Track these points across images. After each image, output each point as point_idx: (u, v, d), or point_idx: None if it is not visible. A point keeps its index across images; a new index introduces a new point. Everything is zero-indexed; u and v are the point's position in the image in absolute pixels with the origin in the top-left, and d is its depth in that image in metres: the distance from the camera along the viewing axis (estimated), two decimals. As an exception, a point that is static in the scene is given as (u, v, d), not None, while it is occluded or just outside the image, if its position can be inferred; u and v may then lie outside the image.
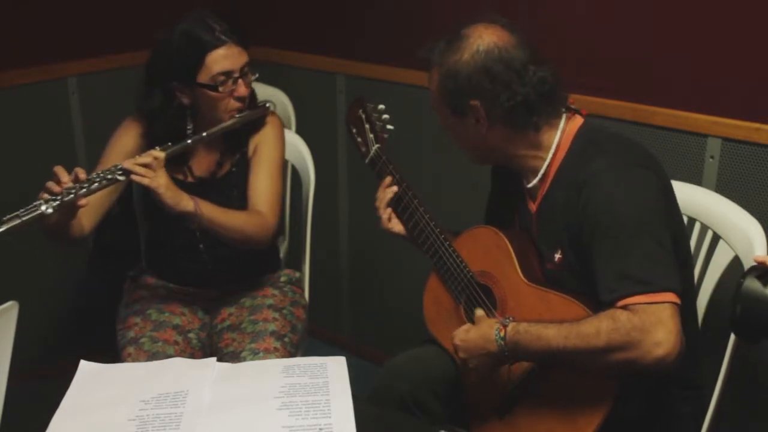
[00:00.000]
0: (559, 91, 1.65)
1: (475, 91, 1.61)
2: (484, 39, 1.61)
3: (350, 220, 3.05)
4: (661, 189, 1.59)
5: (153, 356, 1.95)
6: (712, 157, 2.10)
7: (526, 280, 1.66)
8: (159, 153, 1.87)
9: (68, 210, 1.79)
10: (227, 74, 1.97)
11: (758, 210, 1.93)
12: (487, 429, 1.74)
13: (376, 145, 1.94)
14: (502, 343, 1.58)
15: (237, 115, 2.03)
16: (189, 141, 1.97)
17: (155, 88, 2.03)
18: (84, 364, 1.55)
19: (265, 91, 2.81)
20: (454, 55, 1.62)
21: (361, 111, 1.99)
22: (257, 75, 2.08)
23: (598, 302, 1.53)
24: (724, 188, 2.06)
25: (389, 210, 1.90)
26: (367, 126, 1.97)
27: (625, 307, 1.46)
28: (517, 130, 1.64)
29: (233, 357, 1.99)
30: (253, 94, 2.10)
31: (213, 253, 2.11)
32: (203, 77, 1.97)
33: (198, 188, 2.02)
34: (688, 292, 1.63)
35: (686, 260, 1.68)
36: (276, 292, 2.20)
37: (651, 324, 1.43)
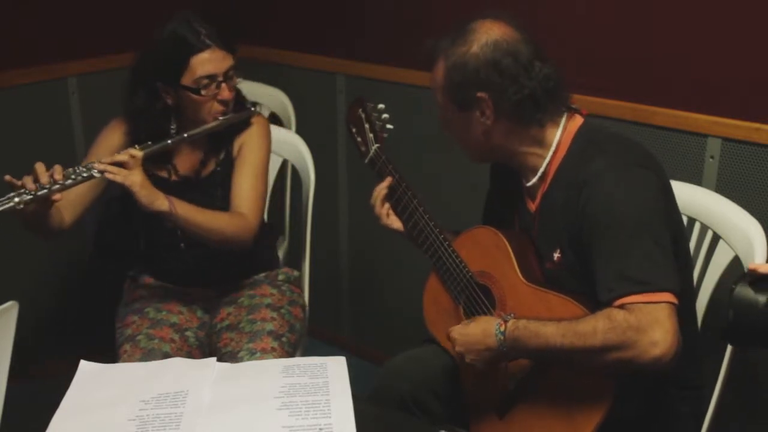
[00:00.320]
0: (562, 89, 1.65)
1: (482, 84, 1.61)
2: (493, 32, 1.61)
3: (350, 220, 3.05)
4: (661, 189, 1.59)
5: (149, 353, 1.96)
6: (712, 157, 2.10)
7: (525, 281, 1.66)
8: (137, 152, 1.89)
9: (42, 203, 1.81)
10: (211, 78, 1.98)
11: (758, 210, 1.93)
12: (486, 428, 1.74)
13: (376, 145, 1.94)
14: (502, 338, 1.58)
15: (220, 118, 2.04)
16: (169, 141, 1.98)
17: (140, 87, 2.05)
18: (84, 364, 1.55)
19: (265, 91, 2.82)
20: (461, 48, 1.62)
21: (361, 111, 1.99)
22: (241, 79, 2.08)
23: (596, 302, 1.53)
24: (724, 188, 2.06)
25: (387, 206, 1.89)
26: (366, 126, 1.97)
27: (622, 307, 1.46)
28: (521, 125, 1.64)
29: (231, 357, 1.99)
30: (239, 95, 2.11)
31: (194, 252, 2.11)
32: (187, 80, 1.98)
33: (182, 187, 2.03)
34: (687, 292, 1.63)
35: (686, 260, 1.68)
36: (274, 291, 2.19)
37: (647, 324, 1.43)
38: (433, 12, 2.58)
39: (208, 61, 1.98)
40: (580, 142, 1.64)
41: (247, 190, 2.07)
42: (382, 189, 1.89)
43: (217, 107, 2.02)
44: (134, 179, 1.86)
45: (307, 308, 2.27)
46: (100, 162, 1.86)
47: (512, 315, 1.61)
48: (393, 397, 1.80)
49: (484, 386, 1.73)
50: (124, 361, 1.97)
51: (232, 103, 2.06)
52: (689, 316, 1.66)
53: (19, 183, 1.78)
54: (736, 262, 1.80)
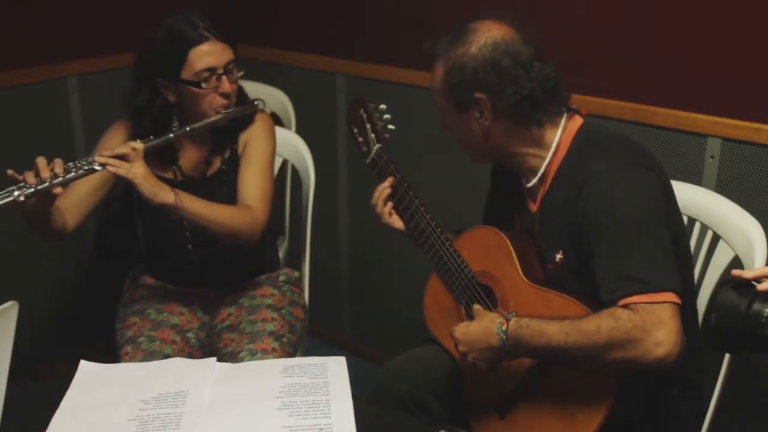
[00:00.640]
0: (562, 90, 1.65)
1: (481, 84, 1.61)
2: (492, 33, 1.61)
3: (350, 220, 3.05)
4: (661, 189, 1.59)
5: (150, 355, 1.95)
6: (712, 157, 2.10)
7: (527, 280, 1.66)
8: (138, 144, 1.87)
9: (44, 197, 1.79)
10: (211, 70, 1.97)
11: (758, 210, 1.93)
12: (487, 428, 1.74)
13: (377, 145, 1.94)
14: (504, 336, 1.58)
15: (223, 111, 2.02)
16: (171, 135, 1.97)
17: (141, 85, 2.04)
18: (84, 364, 1.55)
19: (265, 91, 2.82)
20: (460, 48, 1.62)
21: (362, 111, 1.99)
22: (242, 72, 2.07)
23: (598, 302, 1.53)
24: (724, 188, 2.06)
25: (389, 205, 1.89)
26: (368, 126, 1.97)
27: (625, 307, 1.46)
28: (520, 126, 1.64)
29: (232, 357, 1.99)
30: (242, 91, 2.10)
31: (202, 252, 2.11)
32: (186, 74, 1.97)
33: (187, 187, 2.01)
34: (688, 292, 1.63)
35: (686, 260, 1.68)
36: (275, 291, 2.19)
37: (651, 324, 1.43)
38: (433, 12, 2.58)
39: (207, 54, 1.96)
40: (580, 142, 1.64)
41: (253, 186, 2.07)
42: (384, 189, 1.89)
43: (219, 101, 2.01)
44: (136, 171, 1.84)
45: (307, 309, 2.27)
46: (101, 155, 1.85)
47: (514, 313, 1.61)
48: (393, 397, 1.80)
49: (485, 386, 1.73)
50: (125, 362, 1.96)
51: (234, 96, 2.05)
52: (690, 315, 1.66)
53: (21, 177, 1.76)
54: (736, 262, 1.80)
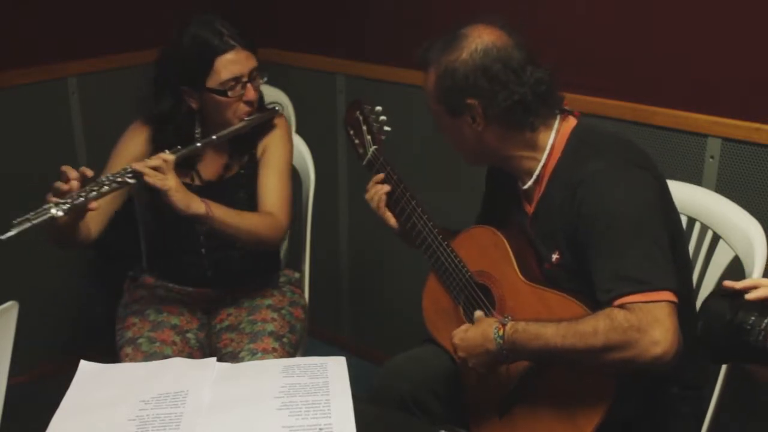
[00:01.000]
0: (555, 92, 1.65)
1: (472, 90, 1.61)
2: (483, 38, 1.61)
3: (350, 220, 3.05)
4: (657, 188, 1.59)
5: (150, 357, 1.95)
6: (712, 157, 2.10)
7: (524, 280, 1.66)
8: (168, 156, 1.86)
9: (78, 213, 1.76)
10: (236, 79, 1.97)
11: (758, 210, 1.93)
12: (486, 429, 1.74)
13: (374, 147, 1.94)
14: (501, 341, 1.58)
15: (246, 119, 2.02)
16: (198, 144, 1.96)
17: (165, 92, 2.02)
18: (84, 364, 1.55)
19: (265, 91, 2.81)
20: (451, 54, 1.62)
21: (358, 113, 1.99)
22: (266, 78, 2.07)
23: (595, 301, 1.53)
24: (724, 188, 2.06)
25: (383, 198, 1.89)
26: (364, 128, 1.97)
27: (622, 306, 1.46)
28: (512, 130, 1.64)
29: (232, 357, 1.99)
30: (261, 96, 2.10)
31: (214, 256, 2.11)
32: (212, 82, 1.96)
33: (205, 191, 2.00)
34: (687, 292, 1.63)
35: (684, 260, 1.68)
36: (275, 292, 2.20)
37: (648, 323, 1.43)
38: (433, 12, 2.58)
39: (232, 62, 1.96)
40: (575, 143, 1.64)
41: (273, 190, 2.07)
42: (382, 189, 1.89)
43: (243, 108, 2.01)
44: (170, 183, 1.83)
45: (307, 309, 2.27)
46: (136, 167, 1.82)
47: (509, 318, 1.61)
48: (393, 397, 1.80)
49: (484, 386, 1.73)
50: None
51: (256, 103, 2.05)
52: (689, 316, 1.66)
53: (65, 188, 1.71)
54: (736, 262, 1.80)
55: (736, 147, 2.06)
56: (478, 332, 1.64)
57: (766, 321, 1.14)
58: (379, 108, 1.95)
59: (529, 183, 1.68)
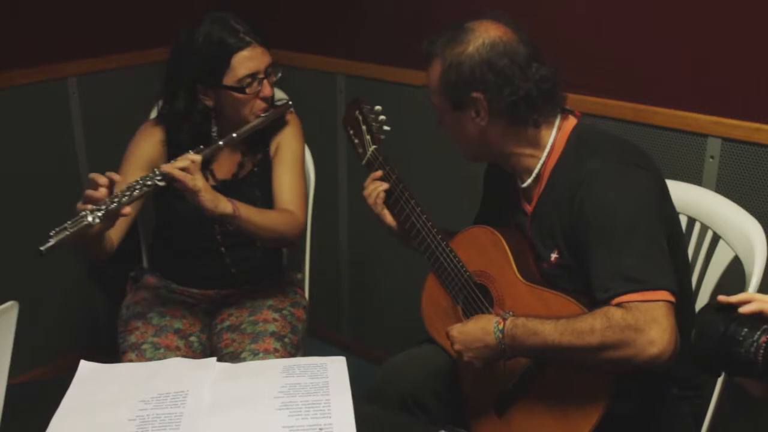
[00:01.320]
0: (559, 91, 1.65)
1: (477, 84, 1.61)
2: (489, 33, 1.61)
3: (350, 220, 3.05)
4: (656, 188, 1.59)
5: (155, 363, 1.95)
6: (712, 157, 2.10)
7: (523, 279, 1.66)
8: (195, 156, 1.84)
9: (111, 219, 1.73)
10: (253, 76, 1.97)
11: (758, 210, 1.93)
12: (485, 427, 1.74)
13: (373, 146, 1.94)
14: (501, 336, 1.58)
15: (262, 115, 2.02)
16: (221, 143, 1.94)
17: (179, 91, 2.01)
18: (84, 364, 1.55)
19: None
20: (458, 48, 1.62)
21: (358, 112, 1.99)
22: (281, 74, 2.07)
23: (594, 301, 1.53)
24: (724, 188, 2.06)
25: (382, 196, 1.89)
26: (364, 127, 1.97)
27: (619, 305, 1.46)
28: (516, 126, 1.64)
29: (233, 357, 1.99)
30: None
31: (236, 254, 2.12)
32: (229, 80, 1.96)
33: (220, 190, 1.98)
34: (686, 292, 1.63)
35: (683, 260, 1.68)
36: (276, 292, 2.20)
37: (645, 322, 1.43)
38: (433, 12, 2.58)
39: (249, 59, 1.96)
40: (575, 142, 1.64)
41: (289, 188, 2.08)
42: (381, 186, 1.89)
43: (260, 104, 2.01)
44: (199, 184, 1.82)
45: (308, 309, 2.27)
46: (165, 169, 1.80)
47: (510, 313, 1.61)
48: (393, 397, 1.80)
49: (483, 385, 1.73)
50: (127, 364, 1.96)
51: (272, 99, 2.05)
52: (689, 316, 1.66)
53: (97, 195, 1.69)
54: (736, 262, 1.80)
55: (736, 147, 2.06)
56: (478, 326, 1.64)
57: (757, 334, 1.15)
58: (378, 107, 1.94)
59: (528, 181, 1.68)
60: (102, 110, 2.86)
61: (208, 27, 1.96)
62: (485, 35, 1.61)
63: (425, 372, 1.84)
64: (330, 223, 3.06)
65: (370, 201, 1.90)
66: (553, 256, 1.64)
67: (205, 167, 2.06)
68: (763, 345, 1.14)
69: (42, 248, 1.59)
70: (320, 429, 1.33)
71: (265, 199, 2.08)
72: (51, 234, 1.62)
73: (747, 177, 2.06)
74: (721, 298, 1.23)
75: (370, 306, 3.12)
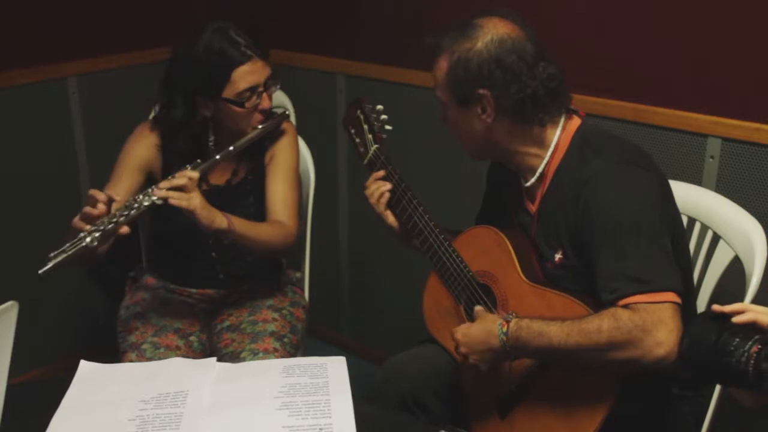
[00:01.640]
0: (564, 90, 1.65)
1: (485, 81, 1.60)
2: (498, 30, 1.60)
3: (350, 221, 3.05)
4: (660, 189, 1.59)
5: (155, 363, 1.95)
6: (712, 157, 2.10)
7: (526, 280, 1.65)
8: (192, 173, 1.85)
9: (107, 238, 1.75)
10: (252, 89, 1.97)
11: (758, 210, 1.92)
12: (487, 428, 1.74)
13: (375, 146, 1.94)
14: (505, 338, 1.58)
15: (260, 126, 2.02)
16: (217, 157, 1.94)
17: (176, 99, 2.01)
18: (84, 364, 1.55)
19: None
20: (466, 43, 1.61)
21: (359, 112, 1.99)
22: (279, 85, 2.07)
23: (598, 301, 1.53)
24: (724, 188, 2.06)
25: (386, 196, 1.89)
26: (365, 127, 1.97)
27: (626, 307, 1.46)
28: (521, 124, 1.64)
29: (233, 357, 1.99)
30: None
31: (226, 259, 2.11)
32: (229, 93, 1.96)
33: (213, 195, 1.99)
34: (688, 292, 1.63)
35: (685, 261, 1.68)
36: (276, 292, 2.20)
37: (652, 323, 1.43)
38: (433, 12, 2.57)
39: (249, 73, 1.95)
40: (579, 142, 1.64)
41: (282, 197, 2.07)
42: (383, 186, 1.89)
43: (258, 117, 2.01)
44: (195, 202, 1.82)
45: (308, 309, 2.27)
46: (159, 189, 1.81)
47: (513, 314, 1.61)
48: (393, 397, 1.80)
49: (486, 386, 1.73)
50: (127, 364, 1.96)
51: (269, 111, 2.05)
52: (690, 315, 1.66)
53: (95, 213, 1.72)
54: (736, 262, 1.80)
55: (736, 147, 2.06)
56: (482, 329, 1.63)
57: (749, 344, 1.15)
58: (380, 107, 1.94)
59: (532, 180, 1.68)
60: (102, 110, 2.86)
61: (209, 37, 1.95)
62: (493, 32, 1.60)
63: (426, 372, 1.84)
64: (330, 223, 3.06)
65: (372, 201, 1.90)
66: (557, 256, 1.64)
67: (201, 178, 2.06)
68: (754, 355, 1.14)
69: (40, 272, 1.62)
70: (320, 429, 1.33)
71: (258, 206, 2.08)
72: (50, 256, 1.65)
73: (747, 177, 2.06)
74: (715, 307, 1.23)
75: (370, 306, 3.11)
